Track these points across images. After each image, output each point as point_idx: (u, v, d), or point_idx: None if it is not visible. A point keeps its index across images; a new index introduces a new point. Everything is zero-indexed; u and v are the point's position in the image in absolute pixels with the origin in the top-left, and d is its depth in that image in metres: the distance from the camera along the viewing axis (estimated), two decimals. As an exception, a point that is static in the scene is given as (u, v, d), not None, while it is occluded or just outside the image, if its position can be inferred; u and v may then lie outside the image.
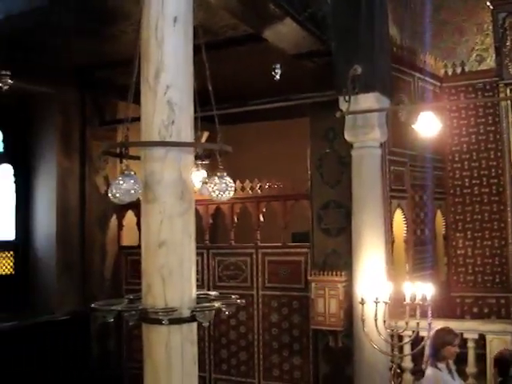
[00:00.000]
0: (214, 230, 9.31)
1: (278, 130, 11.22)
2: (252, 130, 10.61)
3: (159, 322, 3.51)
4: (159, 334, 3.61)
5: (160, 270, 3.62)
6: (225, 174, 3.68)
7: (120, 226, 10.07)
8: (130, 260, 9.91)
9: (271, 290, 8.59)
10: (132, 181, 3.43)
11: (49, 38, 7.87)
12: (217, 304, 3.67)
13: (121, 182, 3.43)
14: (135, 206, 9.11)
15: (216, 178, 3.68)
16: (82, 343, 9.28)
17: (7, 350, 8.05)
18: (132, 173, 3.46)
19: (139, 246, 9.52)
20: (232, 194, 3.73)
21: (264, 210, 8.66)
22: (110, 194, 3.53)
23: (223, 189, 3.66)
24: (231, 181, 3.70)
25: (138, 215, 9.67)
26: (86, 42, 8.05)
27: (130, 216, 9.95)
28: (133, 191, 3.43)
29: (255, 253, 8.69)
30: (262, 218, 8.67)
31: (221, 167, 3.71)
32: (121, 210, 9.95)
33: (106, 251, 9.85)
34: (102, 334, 9.65)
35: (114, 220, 9.98)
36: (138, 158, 3.81)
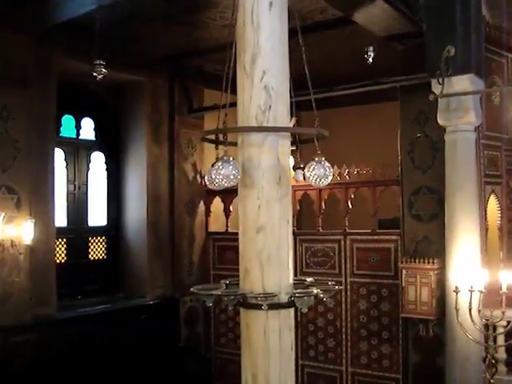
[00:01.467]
0: (298, 216, 9.26)
1: (367, 115, 11.05)
2: (339, 115, 10.49)
3: (258, 307, 3.51)
4: (258, 319, 3.62)
5: (258, 255, 3.61)
6: (323, 158, 3.63)
7: (207, 212, 10.21)
8: (218, 246, 10.04)
9: (360, 277, 8.50)
10: (231, 166, 3.43)
11: (139, 27, 8.04)
12: (315, 290, 3.64)
13: (220, 168, 3.43)
14: (222, 192, 9.38)
15: (314, 163, 3.63)
16: (171, 327, 9.49)
17: (101, 332, 8.31)
18: (231, 158, 3.46)
19: (227, 232, 9.78)
20: (330, 179, 3.67)
21: (352, 196, 8.54)
22: (207, 180, 3.54)
23: (322, 174, 3.60)
24: (330, 166, 3.64)
25: (225, 201, 9.79)
26: (176, 30, 8.18)
27: (217, 202, 10.07)
28: (232, 176, 3.43)
29: (343, 239, 8.61)
30: (350, 205, 8.56)
31: (319, 152, 3.66)
32: (208, 196, 10.09)
33: (194, 237, 10.00)
34: (190, 317, 9.85)
35: (201, 206, 10.11)
36: (233, 144, 3.80)
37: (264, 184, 3.62)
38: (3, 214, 7.05)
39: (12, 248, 7.25)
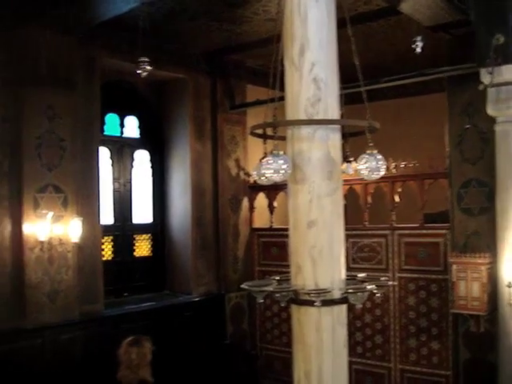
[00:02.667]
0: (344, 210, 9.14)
1: (410, 107, 10.85)
2: (384, 108, 10.32)
3: (311, 303, 3.46)
4: (310, 316, 3.56)
5: (310, 251, 3.56)
6: (376, 151, 3.54)
7: (251, 208, 10.17)
8: (262, 242, 10.01)
9: (408, 272, 8.35)
10: (281, 161, 3.38)
11: (181, 24, 8.03)
12: (369, 286, 3.56)
13: (270, 162, 3.38)
14: (267, 188, 9.34)
15: (366, 156, 3.54)
16: (216, 323, 9.50)
17: (147, 329, 8.33)
18: (281, 153, 3.40)
19: (271, 228, 9.72)
20: (383, 172, 3.58)
21: (400, 190, 8.39)
22: (256, 174, 3.50)
23: (374, 167, 3.52)
24: (382, 158, 3.55)
25: (269, 197, 9.74)
26: (218, 26, 8.16)
27: (260, 198, 10.03)
28: (282, 171, 3.38)
29: (391, 234, 8.48)
30: (397, 199, 8.41)
31: (371, 144, 3.58)
32: (252, 192, 10.07)
33: (239, 233, 9.98)
34: (235, 314, 9.84)
35: (245, 202, 10.09)
36: (281, 138, 3.74)
37: (315, 178, 3.56)
38: (51, 213, 7.13)
39: (60, 246, 7.33)
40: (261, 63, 9.61)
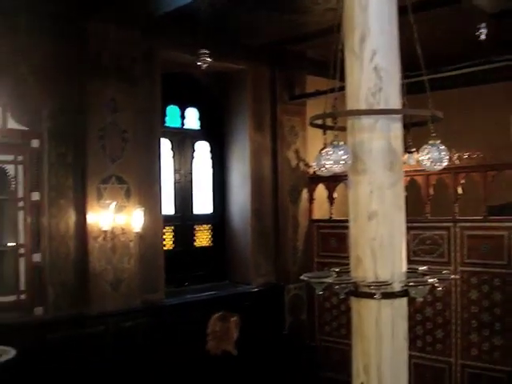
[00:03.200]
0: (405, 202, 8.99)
1: (477, 96, 10.55)
2: (448, 97, 10.09)
3: (371, 295, 3.42)
4: (370, 308, 3.52)
5: (370, 243, 3.51)
6: (438, 142, 3.46)
7: (311, 199, 10.13)
8: (321, 233, 9.95)
9: (470, 265, 8.14)
10: (341, 151, 3.34)
11: (241, 15, 8.03)
12: (430, 279, 3.49)
13: (330, 153, 3.35)
14: (326, 179, 9.28)
15: (429, 146, 3.47)
16: (275, 314, 9.51)
17: (206, 319, 8.40)
18: (341, 143, 3.36)
19: (331, 220, 9.64)
20: (446, 163, 3.50)
21: (463, 182, 8.20)
22: (316, 165, 3.47)
23: (437, 158, 3.44)
24: (445, 149, 3.47)
25: (328, 188, 9.68)
26: (277, 16, 8.11)
27: (320, 189, 9.98)
28: (342, 161, 3.34)
29: (453, 227, 8.29)
30: (460, 191, 8.22)
31: (433, 135, 3.50)
32: (311, 183, 10.02)
33: (298, 224, 9.95)
34: (294, 305, 9.83)
35: (304, 193, 10.05)
36: (342, 128, 3.70)
37: (376, 169, 3.51)
38: (114, 203, 7.29)
39: (122, 235, 7.49)
40: (321, 53, 9.49)
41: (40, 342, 6.68)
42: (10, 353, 2.48)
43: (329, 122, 3.67)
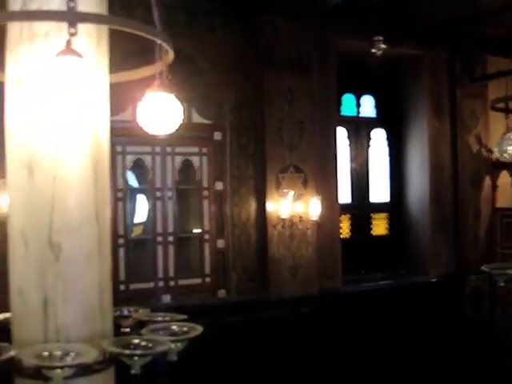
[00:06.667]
0: None
1: None
2: None
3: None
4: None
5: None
6: None
7: (494, 187, 9.65)
8: (505, 222, 9.46)
9: None
10: (527, 136, 3.18)
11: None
12: None
13: (513, 138, 3.20)
14: (510, 165, 8.78)
15: None
16: (453, 306, 9.20)
17: (381, 308, 8.36)
18: (527, 128, 3.20)
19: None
20: None
21: None
22: (497, 151, 3.34)
23: None
24: None
25: (513, 175, 9.18)
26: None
27: (504, 176, 9.49)
28: (528, 148, 3.19)
29: None
30: None
31: None
32: (494, 169, 9.54)
33: (480, 212, 9.53)
34: (474, 298, 9.44)
35: (487, 180, 9.60)
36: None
37: None
38: (292, 191, 7.49)
39: (300, 223, 7.67)
40: (503, 32, 9.00)
41: (220, 323, 7.03)
42: (198, 329, 2.67)
43: (513, 105, 3.51)
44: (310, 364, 7.37)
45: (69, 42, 2.19)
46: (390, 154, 9.79)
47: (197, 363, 5.99)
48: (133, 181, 7.59)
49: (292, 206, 7.51)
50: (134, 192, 7.56)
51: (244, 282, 7.56)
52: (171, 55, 2.71)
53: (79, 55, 2.18)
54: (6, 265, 2.59)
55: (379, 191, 9.74)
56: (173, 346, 2.46)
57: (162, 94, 2.71)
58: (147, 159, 7.17)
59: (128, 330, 2.86)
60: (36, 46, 2.46)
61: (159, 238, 7.23)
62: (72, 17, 2.22)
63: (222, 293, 7.50)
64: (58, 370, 2.18)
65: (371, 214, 9.61)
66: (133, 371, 2.30)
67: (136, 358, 2.30)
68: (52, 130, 2.41)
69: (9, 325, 2.70)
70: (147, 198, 7.45)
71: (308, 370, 7.29)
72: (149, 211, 7.40)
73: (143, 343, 2.43)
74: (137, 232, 7.61)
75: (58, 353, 2.27)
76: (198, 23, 7.32)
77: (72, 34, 2.19)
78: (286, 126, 7.64)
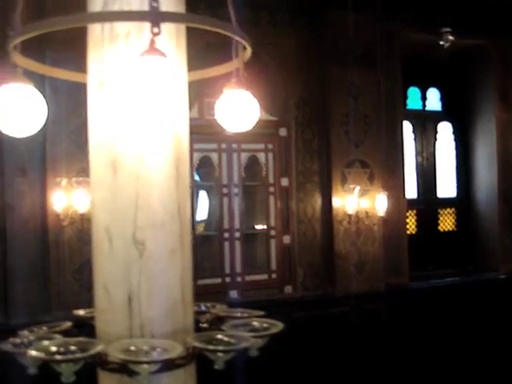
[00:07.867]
0: None
1: None
2: None
3: None
4: None
5: None
6: None
7: None
8: None
9: None
10: None
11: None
12: None
13: None
14: None
15: None
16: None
17: (449, 305, 8.21)
18: None
19: None
20: None
21: None
22: None
23: None
24: None
25: None
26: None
27: None
28: None
29: None
30: None
31: None
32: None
33: (551, 207, 9.23)
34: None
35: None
36: None
37: None
38: (358, 187, 7.43)
39: (366, 219, 7.60)
40: None
41: (286, 319, 7.00)
42: (279, 326, 2.68)
43: None
44: (377, 361, 7.31)
45: (152, 42, 2.21)
46: (457, 148, 9.60)
47: (264, 359, 6.02)
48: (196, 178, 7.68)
49: (358, 201, 7.46)
50: (198, 189, 7.65)
51: (310, 277, 7.55)
52: (248, 52, 2.72)
53: (163, 54, 2.20)
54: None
55: (446, 186, 9.56)
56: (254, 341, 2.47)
57: (240, 91, 2.72)
58: (214, 156, 7.24)
59: (206, 325, 2.89)
60: (117, 46, 2.49)
61: (226, 235, 7.30)
62: (156, 16, 2.25)
63: (288, 289, 7.51)
64: (145, 365, 2.22)
65: (438, 209, 9.44)
66: (216, 366, 2.32)
67: (220, 353, 2.32)
68: (135, 130, 2.44)
69: (88, 320, 2.76)
70: (214, 194, 7.53)
71: (374, 368, 7.23)
72: (215, 208, 7.46)
73: (226, 339, 2.44)
74: (199, 230, 7.69)
75: (145, 348, 2.31)
76: (261, 19, 7.33)
77: (155, 34, 2.21)
78: (351, 120, 7.58)
